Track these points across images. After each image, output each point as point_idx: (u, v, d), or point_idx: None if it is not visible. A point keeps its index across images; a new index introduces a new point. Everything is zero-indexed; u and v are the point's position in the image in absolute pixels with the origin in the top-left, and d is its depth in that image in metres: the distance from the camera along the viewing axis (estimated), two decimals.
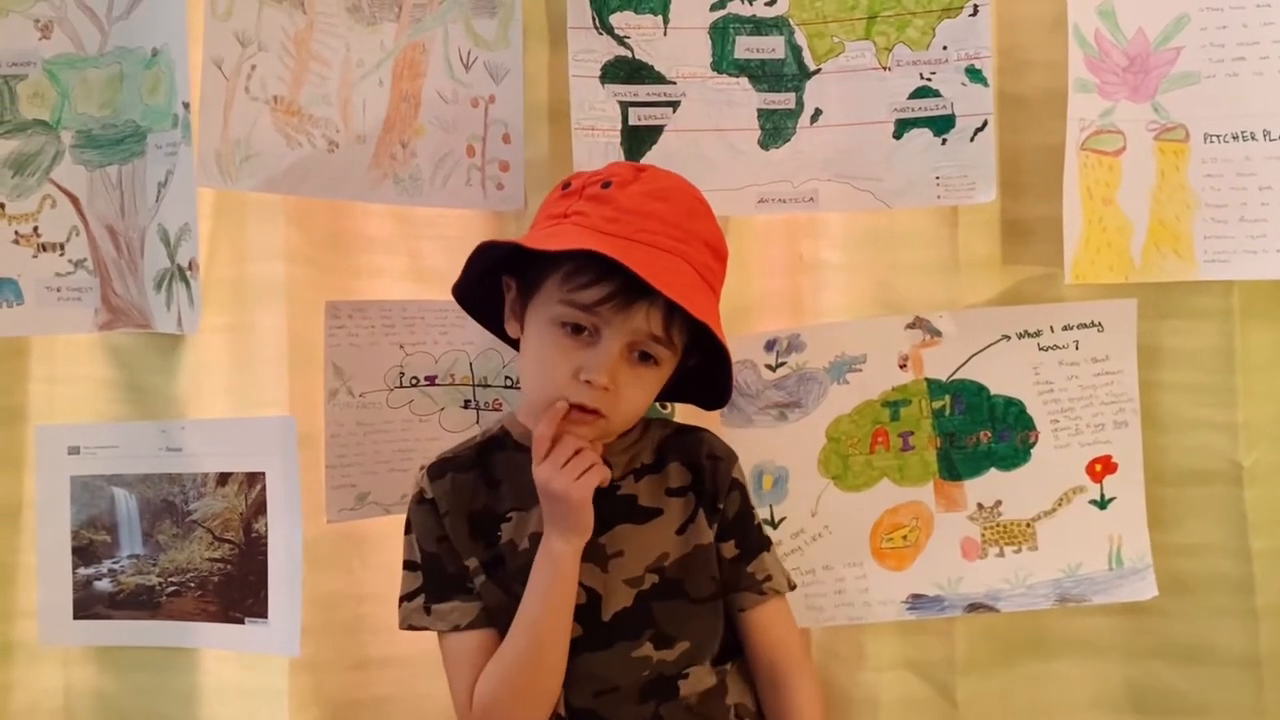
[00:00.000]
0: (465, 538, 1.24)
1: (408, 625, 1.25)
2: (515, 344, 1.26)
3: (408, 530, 1.27)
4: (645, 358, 1.19)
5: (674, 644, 1.22)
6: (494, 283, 1.26)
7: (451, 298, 1.53)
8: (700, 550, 1.25)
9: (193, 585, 1.50)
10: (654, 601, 1.22)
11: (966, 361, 1.52)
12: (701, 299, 1.18)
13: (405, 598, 1.25)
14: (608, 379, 1.16)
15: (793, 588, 1.31)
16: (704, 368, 1.26)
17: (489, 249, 1.22)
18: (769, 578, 1.28)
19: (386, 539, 1.52)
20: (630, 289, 1.14)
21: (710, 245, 1.22)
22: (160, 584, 1.51)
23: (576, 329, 1.17)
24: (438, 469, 1.27)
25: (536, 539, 1.20)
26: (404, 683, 1.54)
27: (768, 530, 1.41)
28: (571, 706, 1.21)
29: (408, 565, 1.26)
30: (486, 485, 1.26)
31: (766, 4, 1.50)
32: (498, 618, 1.21)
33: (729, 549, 1.27)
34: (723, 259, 1.24)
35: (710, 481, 1.26)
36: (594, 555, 1.21)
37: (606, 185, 1.19)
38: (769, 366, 1.51)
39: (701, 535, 1.25)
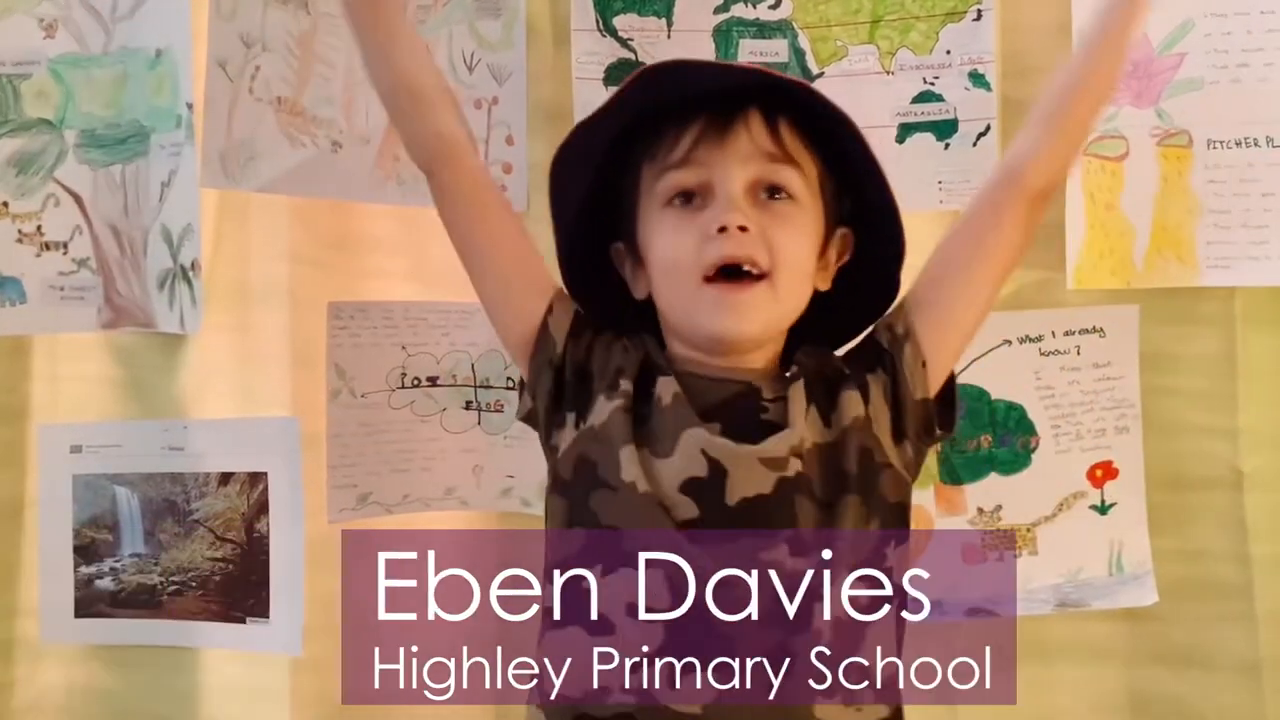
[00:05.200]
0: (619, 367, 1.03)
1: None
2: (646, 320, 1.08)
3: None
4: (776, 193, 1.01)
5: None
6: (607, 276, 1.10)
7: (454, 298, 1.54)
8: (853, 430, 1.01)
9: (194, 584, 1.51)
10: (797, 494, 0.98)
11: (967, 366, 1.51)
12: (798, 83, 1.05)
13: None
14: (740, 217, 0.98)
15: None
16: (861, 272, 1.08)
17: (562, 161, 1.09)
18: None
19: None
20: (717, 117, 1.00)
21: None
22: (162, 583, 1.51)
23: (686, 198, 1.01)
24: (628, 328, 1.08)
25: (677, 399, 1.00)
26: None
27: None
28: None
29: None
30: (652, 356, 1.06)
31: (770, 7, 1.50)
32: (609, 441, 1.00)
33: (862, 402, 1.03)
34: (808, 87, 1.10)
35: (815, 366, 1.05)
36: (731, 431, 0.99)
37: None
38: None
39: (853, 409, 1.02)
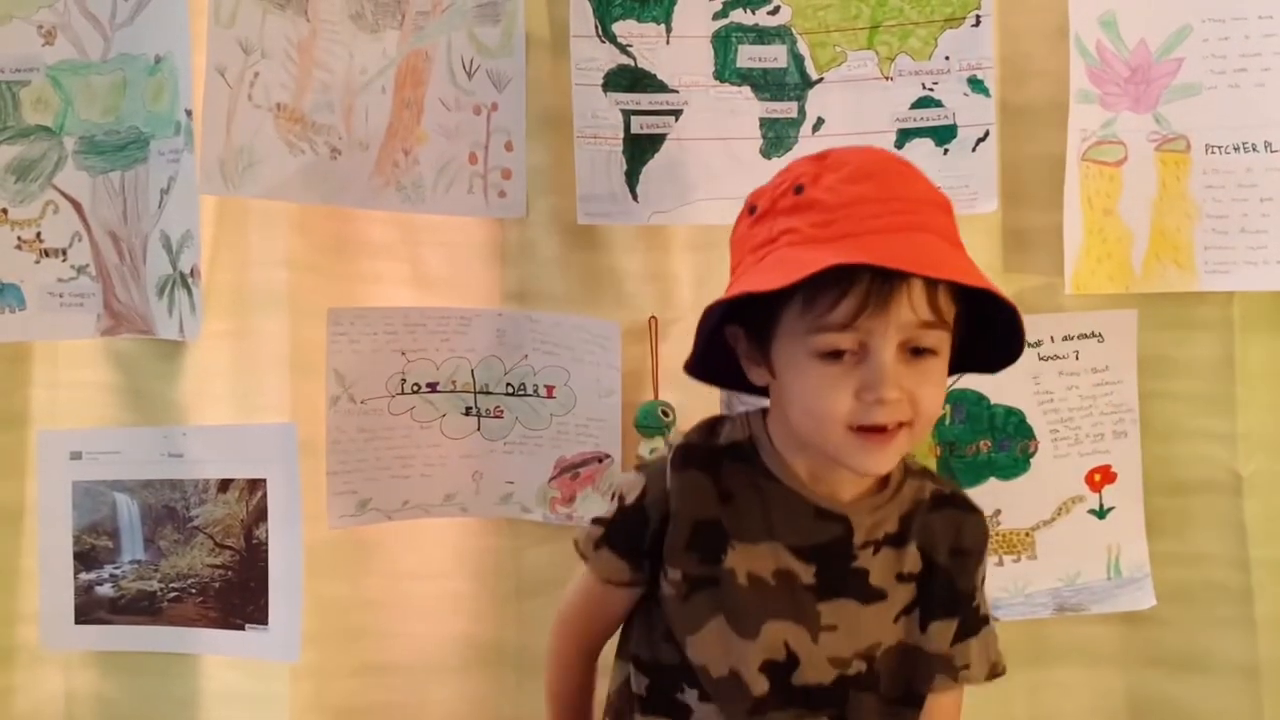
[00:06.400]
0: (681, 546, 1.09)
1: (575, 540, 1.16)
2: (760, 390, 1.13)
3: (640, 469, 1.16)
4: (920, 351, 1.03)
5: None
6: (715, 340, 1.12)
7: (453, 304, 1.55)
8: (936, 658, 1.14)
9: (194, 591, 1.50)
10: (853, 689, 1.11)
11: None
12: (959, 261, 1.04)
13: (595, 520, 1.16)
14: (896, 390, 1.01)
15: (996, 676, 1.19)
16: (974, 332, 1.08)
17: (715, 310, 1.07)
18: (966, 666, 1.16)
19: (388, 545, 1.53)
20: (881, 286, 1.00)
21: (935, 203, 1.07)
22: (161, 589, 1.51)
23: (837, 354, 1.02)
24: (682, 458, 1.11)
25: (756, 581, 1.08)
26: (405, 689, 1.54)
27: None
28: None
29: (617, 497, 1.14)
30: (719, 497, 1.10)
31: (769, 13, 1.50)
32: (679, 627, 1.10)
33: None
34: (950, 212, 1.09)
35: (944, 581, 1.13)
36: (807, 619, 1.09)
37: (799, 190, 1.05)
38: None
39: (913, 632, 1.14)
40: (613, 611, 1.18)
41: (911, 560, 1.12)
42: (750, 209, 1.10)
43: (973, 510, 1.17)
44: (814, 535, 1.10)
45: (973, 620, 1.16)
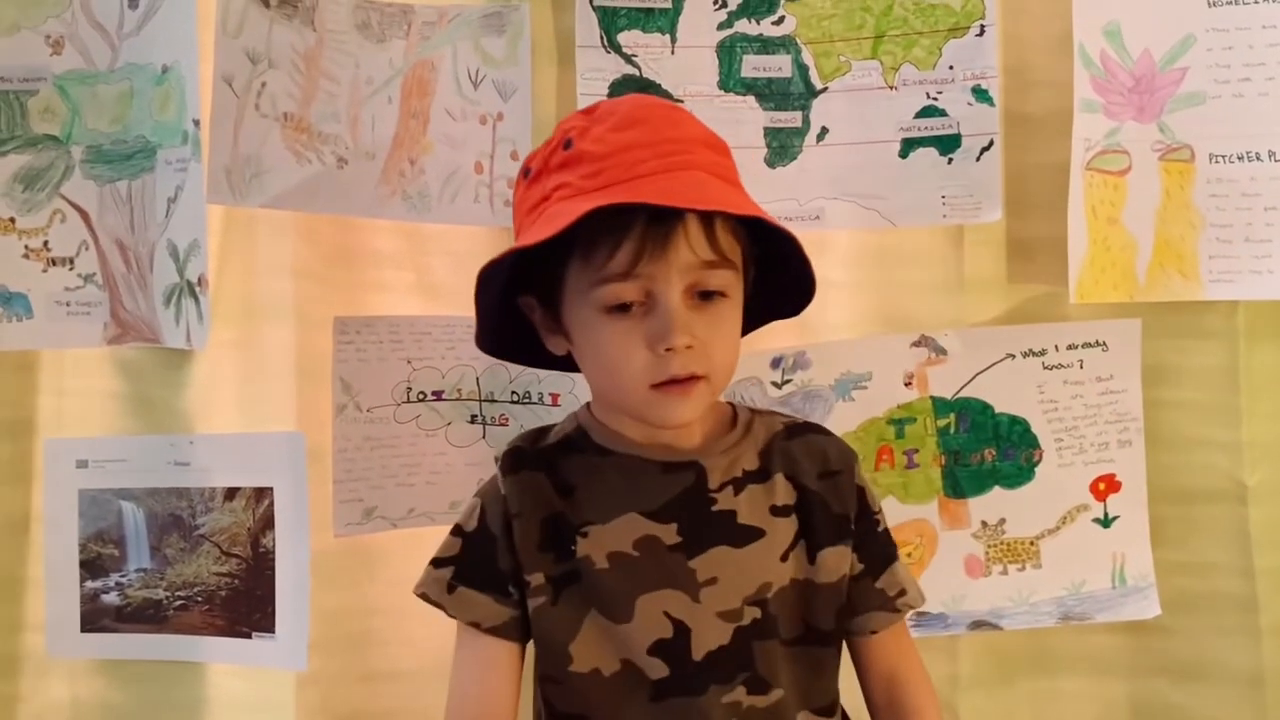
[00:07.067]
0: (534, 548, 1.06)
1: (421, 593, 1.09)
2: (565, 363, 1.11)
3: (477, 494, 1.11)
4: (709, 295, 1.01)
5: (770, 690, 1.05)
6: (514, 316, 1.10)
7: (459, 312, 1.55)
8: (837, 586, 1.09)
9: (200, 599, 1.51)
10: (754, 640, 1.05)
11: (971, 380, 1.52)
12: (731, 195, 1.03)
13: (434, 562, 1.10)
14: (687, 336, 0.99)
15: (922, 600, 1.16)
16: (765, 278, 1.08)
17: (489, 275, 1.05)
18: (903, 592, 1.12)
19: (393, 553, 1.54)
20: (656, 228, 0.97)
21: (706, 143, 1.05)
22: (167, 598, 1.52)
23: (623, 306, 1.00)
24: (512, 461, 1.09)
25: (618, 559, 1.04)
26: (410, 696, 1.54)
27: None
28: None
29: (456, 530, 1.10)
30: (558, 491, 1.07)
31: (774, 23, 1.51)
32: (558, 636, 1.05)
33: (850, 563, 1.10)
34: (726, 152, 1.08)
35: (819, 505, 1.09)
36: (683, 582, 1.04)
37: (568, 145, 1.03)
38: (775, 384, 1.52)
39: (804, 567, 1.08)
40: (503, 682, 1.08)
41: (782, 491, 1.08)
42: (525, 172, 1.08)
43: (830, 434, 1.15)
44: (665, 491, 1.06)
45: (886, 545, 1.13)
